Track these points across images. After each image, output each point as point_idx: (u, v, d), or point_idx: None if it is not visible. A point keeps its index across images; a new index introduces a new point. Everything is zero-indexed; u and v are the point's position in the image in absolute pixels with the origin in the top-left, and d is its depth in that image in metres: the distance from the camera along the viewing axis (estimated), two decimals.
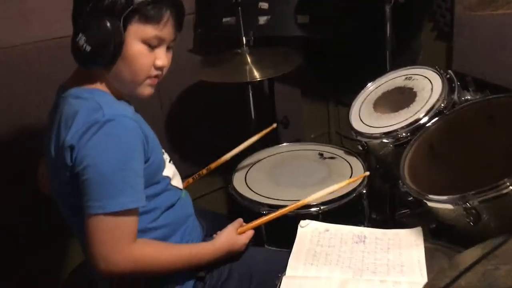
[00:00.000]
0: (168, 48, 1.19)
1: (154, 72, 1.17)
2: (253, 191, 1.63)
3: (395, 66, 1.85)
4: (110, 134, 1.07)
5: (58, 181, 1.19)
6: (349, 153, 1.80)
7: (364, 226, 1.60)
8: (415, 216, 1.75)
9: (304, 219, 1.43)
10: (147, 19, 1.10)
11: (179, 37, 1.21)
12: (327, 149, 1.84)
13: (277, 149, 1.91)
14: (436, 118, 1.49)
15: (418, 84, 1.66)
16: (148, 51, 1.14)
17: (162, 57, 1.16)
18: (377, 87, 1.78)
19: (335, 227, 1.37)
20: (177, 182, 1.33)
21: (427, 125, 1.49)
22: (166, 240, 1.25)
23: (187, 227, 1.34)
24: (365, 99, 1.77)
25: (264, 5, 2.09)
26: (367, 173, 1.56)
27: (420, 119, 1.51)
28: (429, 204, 1.27)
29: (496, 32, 1.90)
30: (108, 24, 1.07)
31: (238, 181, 1.70)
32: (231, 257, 1.30)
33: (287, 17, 2.06)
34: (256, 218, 1.40)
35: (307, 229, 1.37)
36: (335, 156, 1.79)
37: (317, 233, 1.35)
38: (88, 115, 1.08)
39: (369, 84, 1.81)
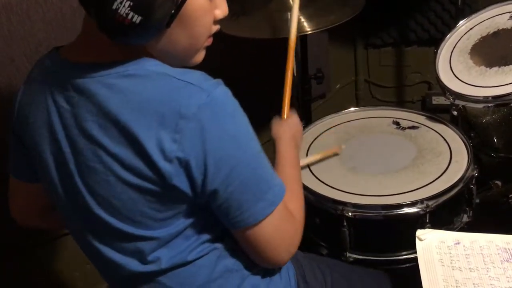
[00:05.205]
0: None
1: (214, 29, 0.83)
2: (324, 183, 1.22)
3: None
4: (230, 111, 0.76)
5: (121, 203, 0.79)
6: (433, 119, 1.38)
7: (468, 216, 1.24)
8: None
9: (407, 221, 1.15)
10: None
11: None
12: (402, 115, 1.43)
13: (336, 118, 1.47)
14: None
15: None
16: (208, 2, 0.78)
17: (223, 5, 0.82)
18: (470, 29, 1.35)
19: (464, 236, 0.99)
20: None
21: None
22: None
23: None
24: (455, 45, 1.35)
25: None
26: None
27: None
28: None
29: None
30: None
31: None
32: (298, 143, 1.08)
33: None
34: (332, 220, 1.16)
35: (429, 242, 0.99)
36: (416, 124, 1.38)
37: (445, 249, 0.97)
38: (185, 99, 0.73)
39: (461, 23, 1.37)
